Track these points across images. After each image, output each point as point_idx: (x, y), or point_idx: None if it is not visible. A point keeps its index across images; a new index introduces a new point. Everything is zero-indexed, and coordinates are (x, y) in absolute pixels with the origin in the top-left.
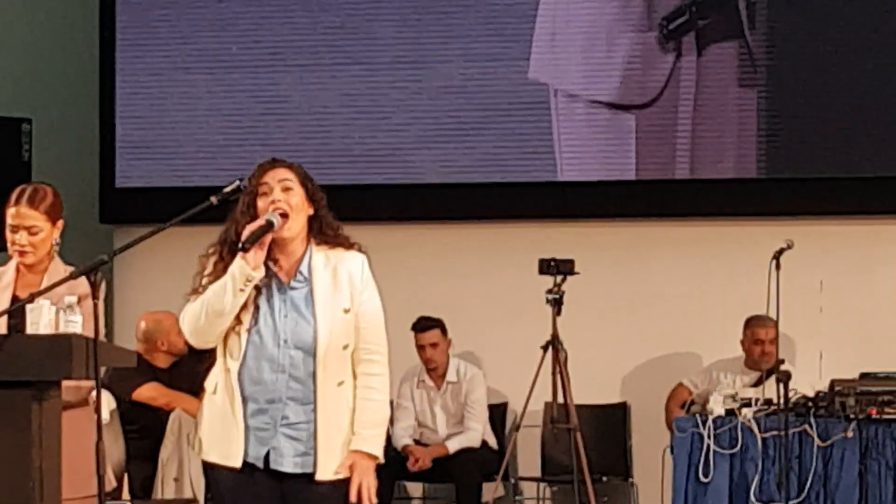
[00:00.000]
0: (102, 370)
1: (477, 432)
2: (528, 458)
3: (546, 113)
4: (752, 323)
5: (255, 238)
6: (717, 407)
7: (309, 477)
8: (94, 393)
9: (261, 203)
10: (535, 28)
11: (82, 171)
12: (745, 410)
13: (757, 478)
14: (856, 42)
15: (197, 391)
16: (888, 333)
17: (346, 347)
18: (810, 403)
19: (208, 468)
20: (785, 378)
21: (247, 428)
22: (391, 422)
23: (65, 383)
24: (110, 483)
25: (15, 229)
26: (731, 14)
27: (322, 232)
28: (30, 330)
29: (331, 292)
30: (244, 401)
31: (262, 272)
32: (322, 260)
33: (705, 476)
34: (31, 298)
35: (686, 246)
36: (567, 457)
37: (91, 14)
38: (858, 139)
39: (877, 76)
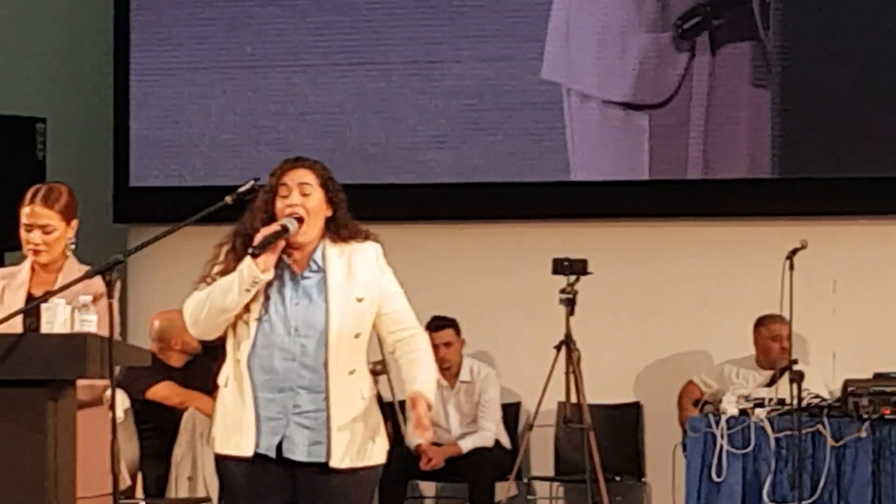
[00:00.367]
0: (117, 369)
1: (490, 432)
2: (542, 458)
3: (559, 113)
4: (767, 321)
5: (267, 244)
6: (730, 407)
7: (321, 466)
8: (108, 392)
9: (279, 204)
10: (549, 28)
11: (96, 170)
12: (758, 410)
13: (770, 478)
14: (870, 42)
15: (210, 390)
16: None
17: (357, 336)
18: (823, 403)
19: (220, 461)
20: (798, 378)
21: (258, 417)
22: (404, 421)
23: (79, 382)
24: (124, 482)
25: (29, 228)
26: (745, 14)
27: (338, 232)
28: (45, 329)
29: (345, 280)
30: (254, 390)
31: (270, 275)
32: (336, 251)
33: (718, 476)
34: (47, 297)
35: (699, 246)
36: (580, 456)
37: (105, 13)
38: (872, 139)
39: (891, 76)
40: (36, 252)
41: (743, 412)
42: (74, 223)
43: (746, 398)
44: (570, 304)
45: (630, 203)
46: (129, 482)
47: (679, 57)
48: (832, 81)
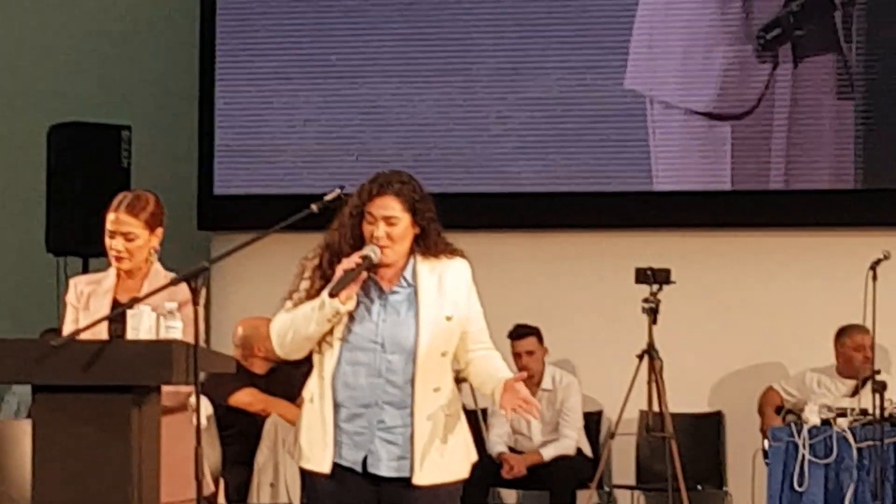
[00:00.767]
0: (201, 376)
1: (572, 440)
2: (623, 466)
3: (642, 122)
4: (849, 331)
5: (347, 281)
6: (812, 416)
7: (406, 481)
8: (192, 398)
9: (366, 229)
10: (632, 38)
11: (181, 177)
12: (840, 420)
13: (852, 487)
14: None
15: (293, 397)
16: None
17: (444, 354)
18: None
19: (305, 475)
20: (881, 388)
21: (338, 433)
22: (486, 428)
23: (164, 388)
24: (209, 487)
25: (112, 235)
26: (827, 26)
27: (427, 248)
28: (130, 335)
29: (436, 298)
30: (336, 406)
31: (352, 305)
32: (427, 267)
33: (800, 485)
34: (133, 304)
35: (781, 256)
36: (661, 465)
37: (191, 21)
38: None
39: None
40: (118, 259)
41: (825, 422)
42: (159, 231)
43: (829, 408)
44: (652, 313)
45: (712, 213)
46: (212, 488)
47: (761, 67)
48: None
